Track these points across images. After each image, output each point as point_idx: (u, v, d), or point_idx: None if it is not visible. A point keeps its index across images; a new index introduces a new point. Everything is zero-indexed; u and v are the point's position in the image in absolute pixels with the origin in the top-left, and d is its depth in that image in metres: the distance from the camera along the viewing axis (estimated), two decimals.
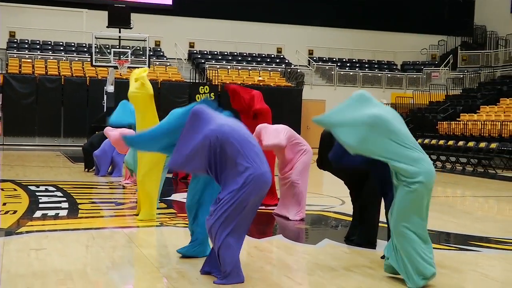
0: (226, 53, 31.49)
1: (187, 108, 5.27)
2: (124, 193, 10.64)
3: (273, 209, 8.60)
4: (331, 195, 11.22)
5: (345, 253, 6.28)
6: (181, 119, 5.17)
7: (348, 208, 9.46)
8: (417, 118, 24.60)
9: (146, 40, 23.20)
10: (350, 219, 8.44)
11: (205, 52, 31.28)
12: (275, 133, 8.08)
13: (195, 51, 31.31)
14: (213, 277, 5.02)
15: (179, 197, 10.13)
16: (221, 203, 4.82)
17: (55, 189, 10.61)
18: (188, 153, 4.90)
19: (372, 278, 5.23)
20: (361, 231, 6.60)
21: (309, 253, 6.39)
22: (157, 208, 8.15)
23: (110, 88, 22.39)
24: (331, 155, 5.89)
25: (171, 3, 31.13)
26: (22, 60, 26.69)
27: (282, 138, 8.06)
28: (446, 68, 31.88)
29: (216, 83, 26.99)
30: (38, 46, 28.70)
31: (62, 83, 25.11)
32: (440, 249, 6.66)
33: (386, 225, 5.75)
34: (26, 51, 28.01)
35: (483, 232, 7.74)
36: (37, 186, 10.96)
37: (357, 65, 32.64)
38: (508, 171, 17.51)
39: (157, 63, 28.92)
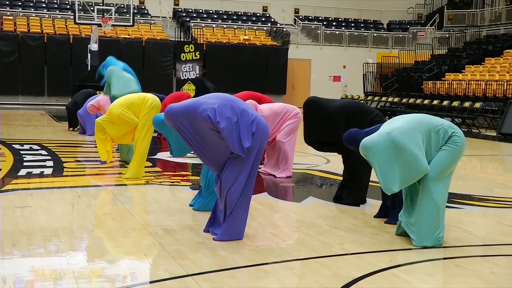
0: (211, 11, 31.13)
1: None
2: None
3: (259, 168, 8.63)
4: (316, 153, 11.26)
5: (329, 210, 6.34)
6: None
7: (333, 166, 9.54)
8: (403, 77, 24.61)
9: None
10: (335, 177, 8.54)
11: (190, 10, 30.91)
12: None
13: (180, 9, 30.92)
14: (198, 235, 5.06)
15: (164, 155, 10.14)
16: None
17: (40, 148, 10.56)
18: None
19: (355, 234, 5.30)
20: (350, 190, 6.60)
21: (294, 210, 6.45)
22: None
23: (94, 46, 22.12)
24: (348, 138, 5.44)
25: None
26: (4, 17, 26.19)
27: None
28: (432, 27, 31.78)
29: (201, 42, 26.75)
30: (19, 3, 28.16)
31: (45, 41, 24.75)
32: None
33: (378, 185, 5.75)
34: (8, 8, 27.49)
35: (466, 190, 7.84)
36: (21, 144, 10.90)
37: (343, 24, 32.41)
38: (491, 131, 17.64)
39: (142, 22, 28.54)
